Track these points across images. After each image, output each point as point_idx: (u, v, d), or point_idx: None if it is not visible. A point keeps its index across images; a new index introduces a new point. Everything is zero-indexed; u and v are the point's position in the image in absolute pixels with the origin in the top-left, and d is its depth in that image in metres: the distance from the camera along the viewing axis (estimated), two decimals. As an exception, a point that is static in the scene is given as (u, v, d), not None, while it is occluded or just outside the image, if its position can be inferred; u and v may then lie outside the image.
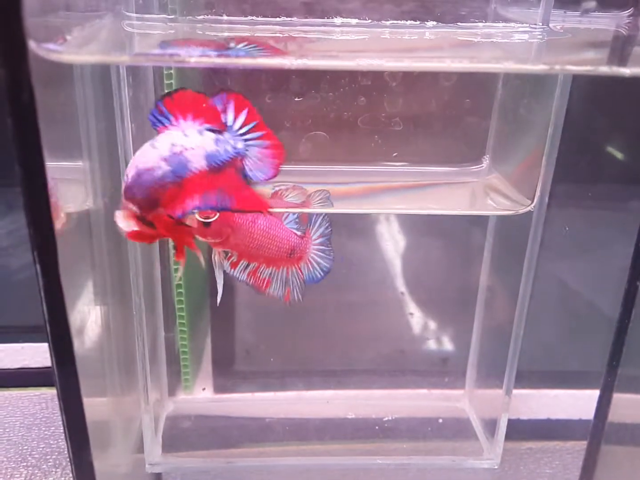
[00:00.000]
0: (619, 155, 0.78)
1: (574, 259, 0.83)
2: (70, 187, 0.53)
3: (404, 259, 0.84)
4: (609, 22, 0.61)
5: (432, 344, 0.86)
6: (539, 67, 0.48)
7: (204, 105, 0.46)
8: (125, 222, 0.45)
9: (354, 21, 0.55)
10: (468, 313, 0.81)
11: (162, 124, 0.45)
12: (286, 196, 0.58)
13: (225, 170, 0.46)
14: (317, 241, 0.61)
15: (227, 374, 0.87)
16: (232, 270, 0.58)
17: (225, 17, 0.56)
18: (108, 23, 0.52)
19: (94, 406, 0.53)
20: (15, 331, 0.91)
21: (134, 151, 0.57)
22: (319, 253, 0.61)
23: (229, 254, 0.58)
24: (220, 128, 0.46)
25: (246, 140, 0.47)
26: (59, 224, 0.47)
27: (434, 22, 0.57)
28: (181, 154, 0.44)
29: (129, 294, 0.62)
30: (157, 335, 0.75)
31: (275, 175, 0.48)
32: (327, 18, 0.56)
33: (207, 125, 0.46)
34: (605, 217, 0.82)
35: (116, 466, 0.65)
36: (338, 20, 0.55)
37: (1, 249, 0.92)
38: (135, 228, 0.45)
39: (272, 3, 0.55)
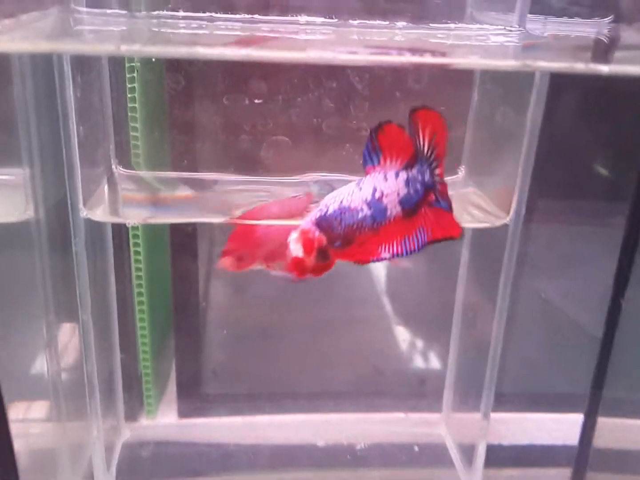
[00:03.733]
0: (602, 169, 0.76)
1: (557, 276, 0.80)
2: (8, 195, 0.49)
3: (379, 274, 0.80)
4: (589, 30, 0.59)
5: (408, 365, 0.82)
6: (509, 63, 0.44)
7: (404, 140, 0.44)
8: (299, 248, 0.44)
9: (319, 20, 0.52)
10: (446, 331, 0.77)
11: (372, 162, 0.44)
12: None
13: (419, 210, 0.45)
14: None
15: (192, 397, 0.82)
16: None
17: (182, 14, 0.52)
18: (52, 16, 0.48)
19: (30, 433, 0.48)
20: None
21: (80, 156, 0.53)
22: None
23: None
24: (412, 162, 0.44)
25: (432, 169, 0.45)
26: None
27: (404, 23, 0.53)
28: (380, 200, 0.44)
29: (76, 311, 0.58)
30: (113, 356, 0.70)
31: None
32: (291, 16, 0.52)
33: (404, 163, 0.45)
34: (588, 233, 0.79)
35: (61, 498, 0.60)
36: (303, 18, 0.52)
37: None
38: (305, 257, 0.44)
39: (231, -1, 0.52)
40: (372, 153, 0.44)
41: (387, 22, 0.53)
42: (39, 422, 0.57)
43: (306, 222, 0.45)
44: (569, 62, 0.43)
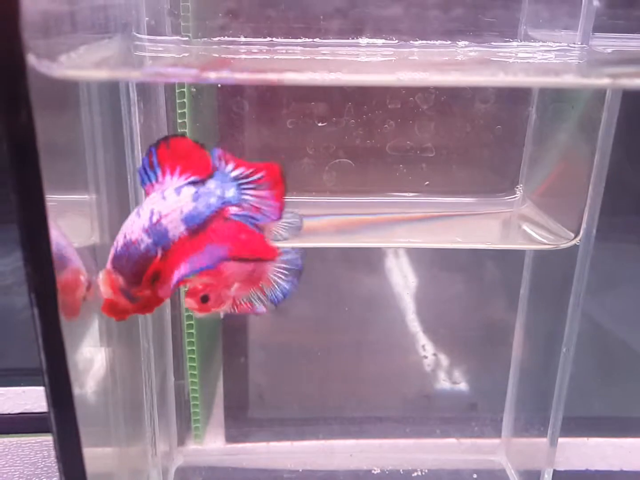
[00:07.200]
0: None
1: (615, 297, 0.78)
2: (74, 221, 0.49)
3: (430, 296, 0.79)
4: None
5: (463, 389, 0.80)
6: (603, 82, 0.43)
7: (196, 155, 0.40)
8: (105, 289, 0.40)
9: (380, 42, 0.52)
10: (501, 354, 0.75)
11: (150, 180, 0.40)
12: None
13: (210, 226, 0.40)
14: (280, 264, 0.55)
15: (240, 422, 0.81)
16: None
17: (242, 39, 0.52)
18: (117, 43, 0.49)
19: (95, 457, 0.48)
20: (17, 374, 0.87)
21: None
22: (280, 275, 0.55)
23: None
24: (205, 175, 0.40)
25: (241, 184, 0.41)
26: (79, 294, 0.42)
27: (466, 42, 0.53)
28: (159, 223, 0.39)
29: (137, 338, 0.58)
30: (166, 382, 0.70)
31: (279, 218, 0.42)
32: (352, 39, 0.52)
33: (193, 178, 0.40)
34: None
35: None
36: (363, 40, 0.52)
37: (5, 287, 0.88)
38: (113, 298, 0.40)
39: (291, 22, 0.52)
40: (149, 170, 0.39)
41: (449, 42, 0.53)
42: (98, 447, 0.56)
43: (109, 260, 0.40)
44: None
